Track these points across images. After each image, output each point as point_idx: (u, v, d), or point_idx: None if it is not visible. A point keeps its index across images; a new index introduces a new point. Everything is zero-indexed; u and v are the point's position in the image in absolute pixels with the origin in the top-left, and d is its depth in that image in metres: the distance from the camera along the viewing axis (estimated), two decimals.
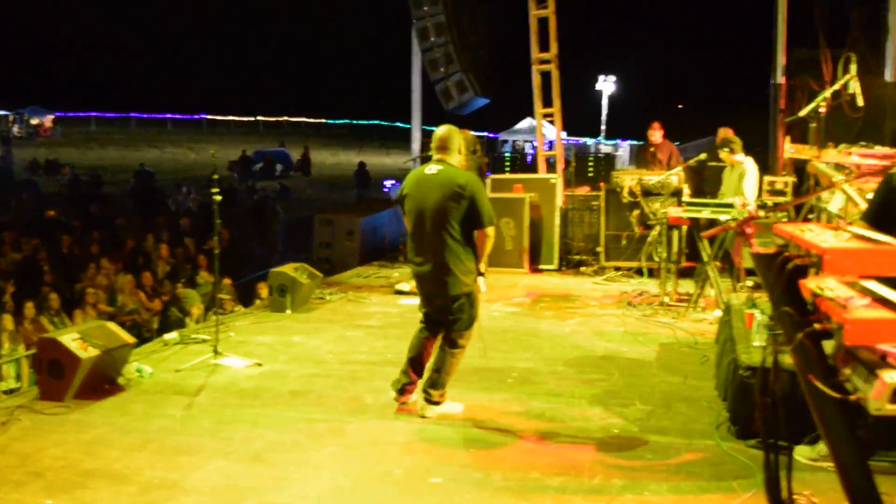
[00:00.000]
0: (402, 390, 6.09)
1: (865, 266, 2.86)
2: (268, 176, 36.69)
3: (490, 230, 5.76)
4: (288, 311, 9.21)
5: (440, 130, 5.95)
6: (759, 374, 5.03)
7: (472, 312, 5.89)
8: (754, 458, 4.91)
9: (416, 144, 14.46)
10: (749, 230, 3.41)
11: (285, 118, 71.84)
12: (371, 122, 71.51)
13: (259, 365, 7.16)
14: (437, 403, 5.93)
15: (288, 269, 9.49)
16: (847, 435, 2.97)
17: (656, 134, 12.80)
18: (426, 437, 5.55)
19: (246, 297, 11.80)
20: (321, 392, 6.48)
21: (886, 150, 6.27)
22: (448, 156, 5.89)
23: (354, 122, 73.49)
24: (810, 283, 3.10)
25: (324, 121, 74.44)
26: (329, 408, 6.11)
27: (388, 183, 19.14)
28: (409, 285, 10.38)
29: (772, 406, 3.53)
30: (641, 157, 13.12)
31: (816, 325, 2.93)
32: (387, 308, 9.62)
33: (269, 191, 29.45)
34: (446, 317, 5.86)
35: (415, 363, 6.07)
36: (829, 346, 3.08)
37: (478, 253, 5.81)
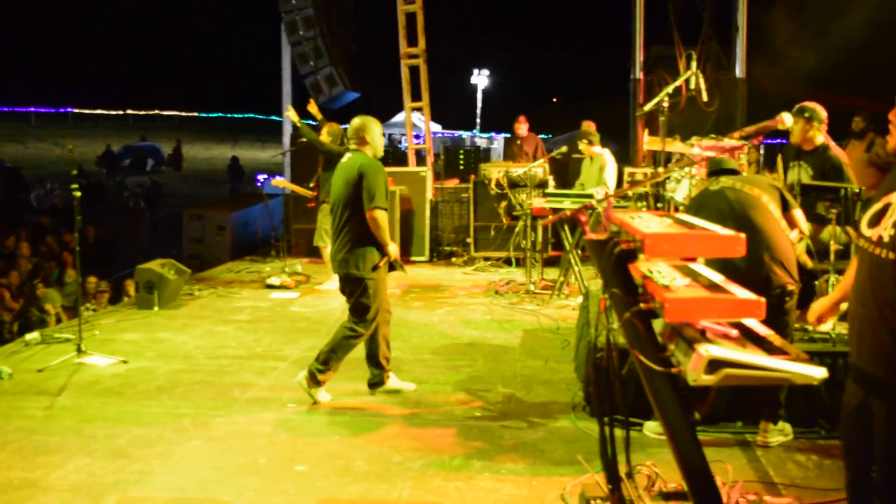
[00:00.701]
0: (371, 385, 6.31)
1: (682, 249, 3.09)
2: (138, 171, 35.70)
3: (377, 213, 5.90)
4: (155, 308, 9.09)
5: (355, 121, 6.17)
6: (590, 351, 5.33)
7: (368, 301, 6.01)
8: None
9: (286, 138, 14.35)
10: (583, 218, 3.60)
11: (156, 111, 69.87)
12: (246, 115, 70.34)
13: (124, 362, 7.07)
14: (319, 384, 6.06)
15: (155, 265, 9.36)
16: (675, 407, 3.19)
17: (522, 127, 13.16)
18: (292, 427, 5.63)
19: (114, 294, 11.54)
20: (188, 387, 6.47)
21: (734, 142, 6.66)
22: (360, 145, 6.09)
23: (229, 115, 72.06)
24: (642, 266, 3.34)
25: (196, 114, 72.72)
26: (195, 402, 6.12)
27: (261, 177, 18.88)
28: (280, 279, 10.38)
29: (607, 383, 3.76)
30: (509, 150, 13.46)
31: (642, 305, 3.14)
32: (257, 302, 9.60)
33: (138, 186, 28.69)
34: (348, 299, 6.08)
35: (369, 357, 6.29)
36: (659, 324, 3.32)
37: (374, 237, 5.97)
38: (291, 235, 12.88)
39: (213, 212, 13.33)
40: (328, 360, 6.06)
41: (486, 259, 11.94)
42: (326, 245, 10.13)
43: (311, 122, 10.21)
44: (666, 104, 6.45)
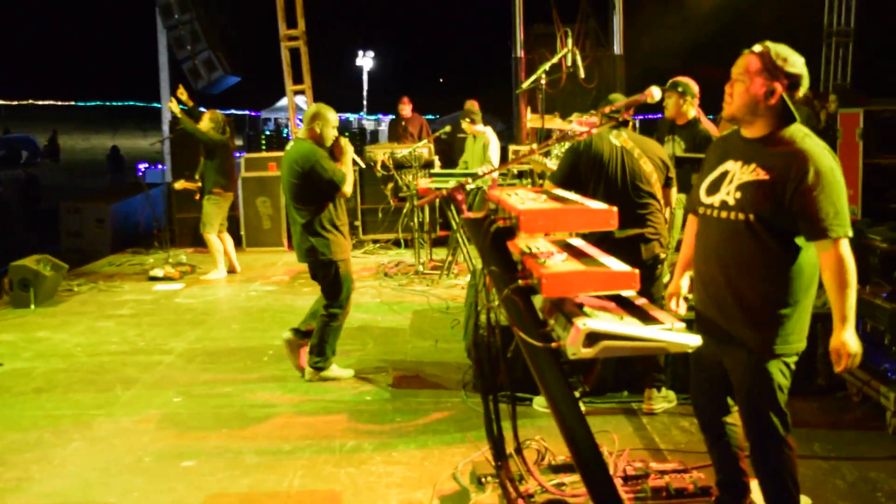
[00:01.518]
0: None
1: (556, 225, 3.11)
2: (11, 164, 34.20)
3: (345, 188, 5.96)
4: (32, 307, 8.72)
5: (310, 109, 6.20)
6: (470, 329, 5.36)
7: (340, 281, 6.08)
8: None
9: (166, 126, 13.94)
10: (460, 196, 3.59)
11: (30, 101, 67.10)
12: (126, 103, 68.23)
13: (0, 364, 6.77)
14: (320, 369, 6.14)
15: (29, 261, 8.97)
16: (557, 381, 3.21)
17: (406, 108, 13.13)
18: (178, 422, 5.48)
19: None
20: (67, 387, 6.23)
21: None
22: (309, 135, 6.00)
23: (108, 103, 69.79)
24: (520, 243, 3.35)
25: (73, 103, 70.14)
26: (75, 402, 5.89)
27: (142, 166, 18.34)
28: (164, 271, 10.10)
29: (490, 361, 3.78)
30: (394, 132, 13.40)
31: (521, 282, 3.15)
32: (140, 295, 9.32)
33: (12, 180, 27.47)
34: (321, 284, 6.16)
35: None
36: (539, 301, 3.34)
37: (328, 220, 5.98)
38: (175, 225, 12.54)
39: (92, 204, 12.84)
40: (322, 349, 6.15)
41: (375, 241, 11.89)
42: (212, 232, 9.92)
43: (182, 106, 9.93)
44: (544, 82, 6.51)
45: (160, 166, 16.12)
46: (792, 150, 3.24)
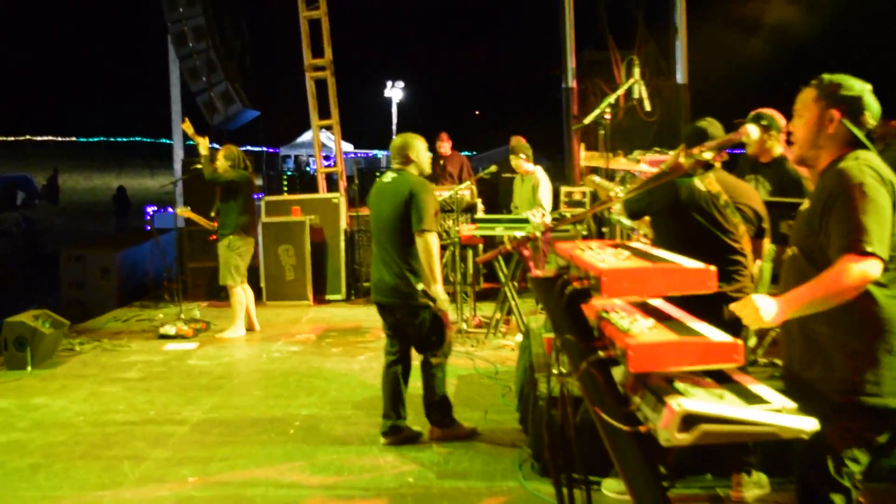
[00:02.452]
0: (388, 432, 6.27)
1: (644, 287, 2.96)
2: (7, 207, 34.68)
3: (427, 237, 6.00)
4: (28, 369, 8.68)
5: (396, 141, 6.36)
6: (545, 406, 5.18)
7: (438, 327, 6.18)
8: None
9: (178, 164, 14.01)
10: (526, 252, 3.46)
11: (27, 137, 68.32)
12: (132, 139, 69.17)
13: None
14: (447, 425, 6.32)
15: (26, 317, 8.94)
16: (642, 467, 3.05)
17: (445, 146, 13.09)
18: None
19: None
20: (68, 462, 6.12)
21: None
22: (404, 164, 6.24)
23: (112, 139, 70.83)
24: (596, 306, 3.20)
25: (74, 139, 71.30)
26: (77, 481, 5.77)
27: (150, 209, 18.45)
28: (175, 327, 10.04)
29: (562, 439, 3.61)
30: (430, 172, 13.33)
31: (601, 353, 3.00)
32: (149, 356, 9.25)
33: (8, 224, 27.87)
34: (411, 334, 6.23)
35: (394, 400, 6.28)
36: (620, 372, 3.18)
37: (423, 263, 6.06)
38: (187, 276, 12.53)
39: (96, 251, 12.90)
40: (444, 403, 6.32)
41: None
42: (236, 283, 9.85)
43: (189, 142, 9.99)
44: (608, 116, 6.40)
45: (171, 210, 16.17)
46: (833, 172, 3.33)
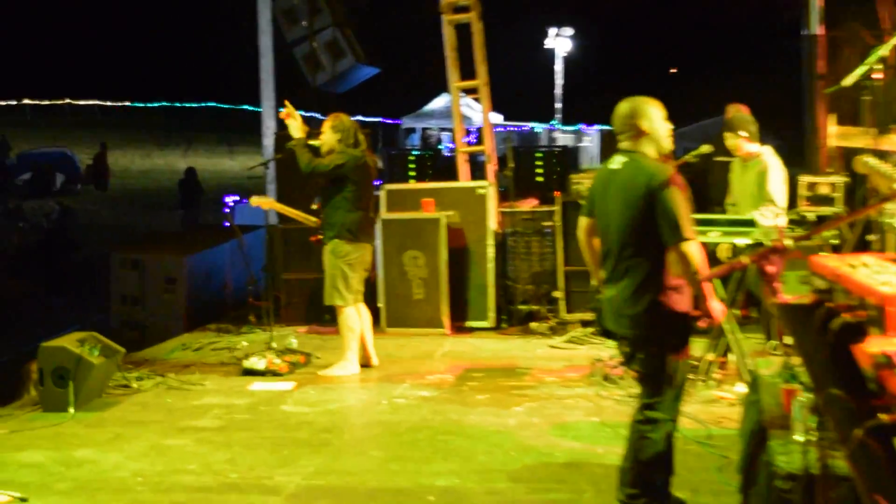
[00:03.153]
0: None
1: None
2: (42, 192, 36.10)
3: (687, 248, 5.86)
4: (71, 410, 8.99)
5: (622, 107, 6.31)
6: (785, 487, 5.07)
7: (671, 370, 6.09)
8: None
9: (269, 140, 14.32)
10: (771, 268, 3.40)
11: (67, 101, 70.87)
12: (204, 104, 70.98)
13: (23, 501, 6.94)
14: None
15: (69, 342, 9.27)
16: None
17: None
18: None
19: (5, 385, 11.47)
20: None
21: None
22: (635, 139, 6.21)
23: (176, 104, 72.85)
24: (873, 349, 3.12)
25: (128, 104, 73.61)
26: None
27: (230, 199, 18.88)
28: (265, 360, 10.24)
29: None
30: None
31: (884, 416, 2.92)
32: (230, 398, 9.49)
33: (42, 216, 29.01)
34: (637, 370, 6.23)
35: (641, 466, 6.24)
36: None
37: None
38: (280, 290, 12.77)
39: (158, 255, 13.31)
40: (649, 480, 6.16)
41: (586, 324, 11.74)
42: (346, 303, 9.97)
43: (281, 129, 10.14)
44: (880, 75, 6.25)
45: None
46: None
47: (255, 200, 11.11)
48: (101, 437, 8.38)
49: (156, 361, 10.96)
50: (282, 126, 11.12)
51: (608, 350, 10.69)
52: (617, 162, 6.20)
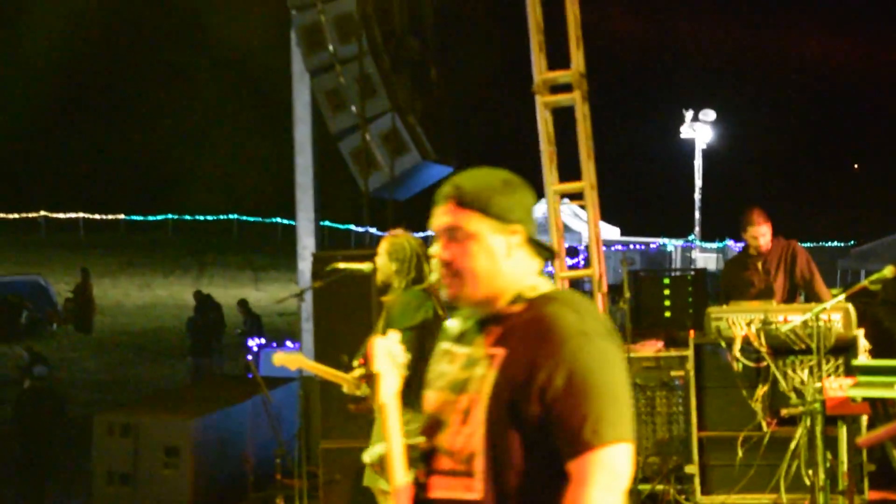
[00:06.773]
0: None
1: None
2: (5, 334, 36.34)
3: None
4: None
5: None
6: None
7: None
8: None
9: (304, 263, 14.44)
10: None
11: (42, 214, 71.72)
12: (221, 216, 71.60)
13: None
14: None
15: None
16: None
17: (760, 230, 12.90)
18: None
19: None
20: None
21: None
22: None
23: (186, 217, 73.45)
24: None
25: (122, 216, 74.39)
26: None
27: (253, 343, 19.04)
28: None
29: None
30: (736, 275, 13.30)
31: None
32: None
33: (5, 364, 29.33)
34: None
35: None
36: None
37: None
38: (318, 463, 12.80)
39: (156, 417, 13.39)
40: None
41: None
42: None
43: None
44: None
45: (291, 344, 16.64)
46: None
47: (278, 359, 10.61)
48: None
49: None
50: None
51: None
52: None
